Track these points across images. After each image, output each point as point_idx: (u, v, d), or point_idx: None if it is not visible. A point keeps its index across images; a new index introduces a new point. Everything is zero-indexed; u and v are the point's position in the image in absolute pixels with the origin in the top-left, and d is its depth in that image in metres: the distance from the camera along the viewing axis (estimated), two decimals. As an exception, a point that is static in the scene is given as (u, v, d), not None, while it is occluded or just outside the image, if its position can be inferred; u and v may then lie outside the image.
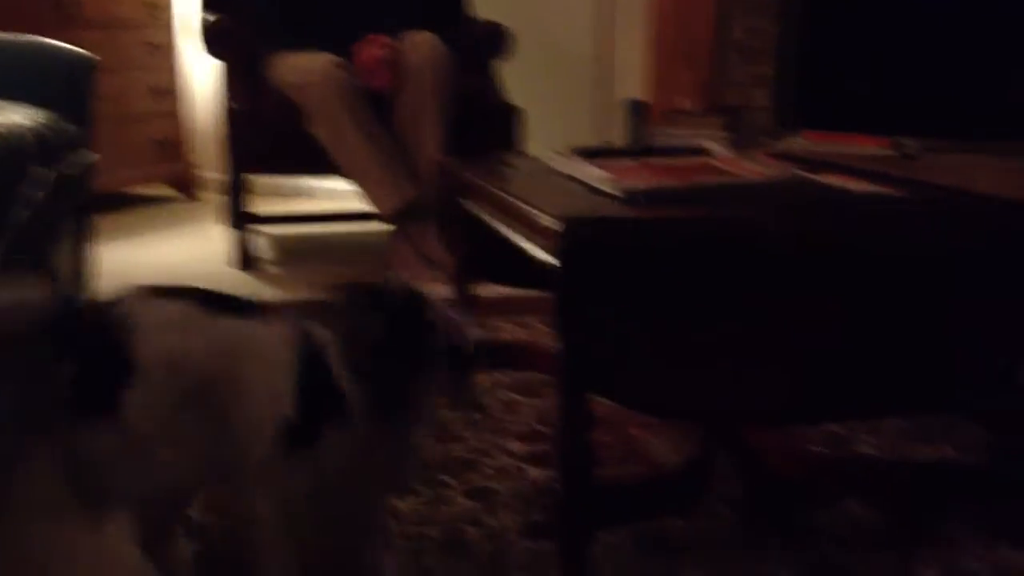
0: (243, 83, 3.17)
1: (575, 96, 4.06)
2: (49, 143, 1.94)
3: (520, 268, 1.95)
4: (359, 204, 3.23)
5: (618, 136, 3.73)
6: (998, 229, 1.50)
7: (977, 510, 1.58)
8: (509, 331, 2.54)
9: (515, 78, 3.49)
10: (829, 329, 1.43)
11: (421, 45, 3.09)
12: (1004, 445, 1.55)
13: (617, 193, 1.53)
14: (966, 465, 1.70)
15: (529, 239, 1.52)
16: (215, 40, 3.24)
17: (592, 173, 1.66)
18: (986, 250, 1.47)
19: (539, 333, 2.52)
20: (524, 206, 1.53)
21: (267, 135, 3.13)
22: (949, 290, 1.46)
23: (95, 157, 2.26)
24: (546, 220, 1.41)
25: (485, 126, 3.26)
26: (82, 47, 2.32)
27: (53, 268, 1.96)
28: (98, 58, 2.33)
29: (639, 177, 1.62)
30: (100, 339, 1.25)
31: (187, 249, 3.39)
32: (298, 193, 4.23)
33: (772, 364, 1.44)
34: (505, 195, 1.64)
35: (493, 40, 3.42)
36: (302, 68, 3.04)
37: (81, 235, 2.29)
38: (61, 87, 2.21)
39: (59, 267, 2.01)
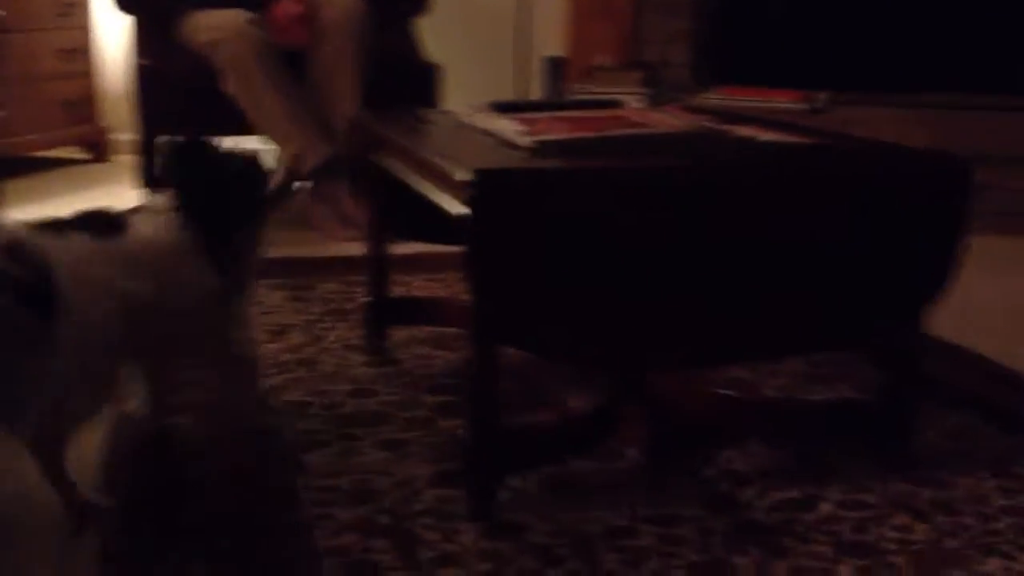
0: (154, 40, 3.11)
1: (495, 52, 4.05)
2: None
3: (433, 223, 1.97)
4: (274, 163, 3.20)
5: (537, 93, 3.75)
6: (894, 174, 1.55)
7: (872, 446, 1.64)
8: (424, 287, 2.55)
9: (434, 34, 3.48)
10: (734, 274, 1.46)
11: (337, 1, 3.05)
12: (896, 384, 1.60)
13: (528, 144, 1.55)
14: (862, 404, 1.76)
15: (441, 192, 1.53)
16: (125, -5, 3.18)
17: (504, 126, 1.67)
18: (883, 194, 1.52)
19: (453, 289, 2.53)
20: (436, 159, 1.54)
21: (179, 94, 3.09)
22: (848, 233, 1.51)
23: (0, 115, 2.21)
24: (457, 172, 1.42)
25: (404, 83, 3.24)
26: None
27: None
28: (3, 12, 2.27)
29: (551, 129, 1.63)
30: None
31: (100, 211, 3.33)
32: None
33: (677, 310, 1.47)
34: (417, 149, 1.65)
35: (411, -4, 3.39)
36: (214, 25, 2.99)
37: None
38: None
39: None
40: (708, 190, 1.45)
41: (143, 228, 1.45)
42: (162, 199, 1.56)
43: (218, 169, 1.54)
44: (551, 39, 3.89)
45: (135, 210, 1.52)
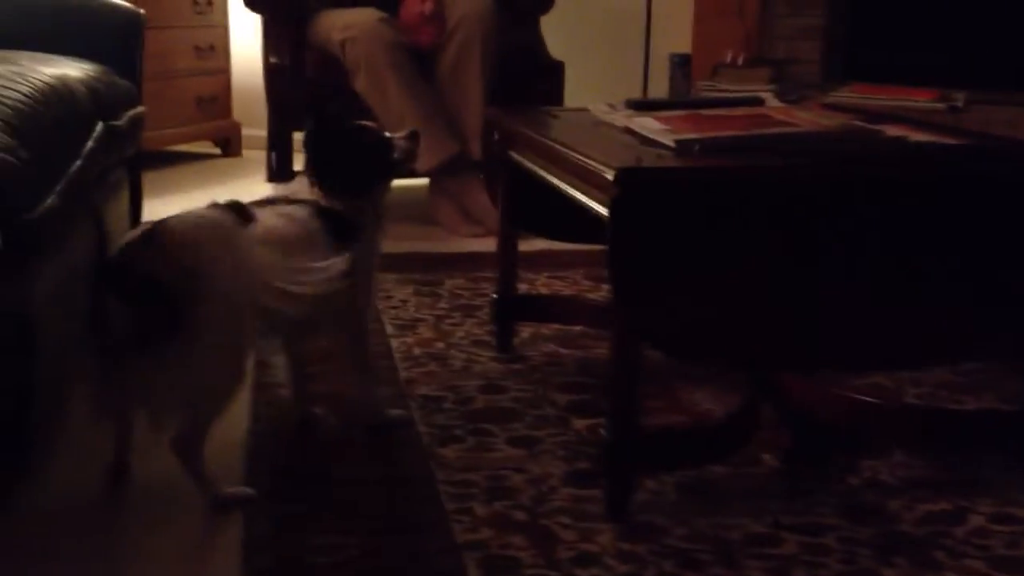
0: (284, 38, 3.18)
1: (616, 50, 4.02)
2: (101, 97, 1.97)
3: (564, 221, 1.96)
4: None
5: (661, 90, 3.70)
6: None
7: (1022, 459, 1.58)
8: (548, 284, 2.55)
9: (556, 31, 3.47)
10: (883, 277, 1.43)
11: (466, 0, 3.08)
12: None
13: (670, 143, 1.53)
14: (1012, 415, 1.69)
15: (582, 190, 1.53)
16: (253, -7, 3.26)
17: (644, 124, 1.65)
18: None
19: (578, 287, 2.52)
20: (577, 156, 1.53)
21: (309, 91, 3.14)
22: (1002, 237, 1.46)
23: (144, 111, 2.29)
24: (600, 170, 1.41)
25: (530, 81, 3.25)
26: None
27: (104, 218, 1.99)
28: (143, 12, 2.35)
29: (693, 128, 1.60)
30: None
31: (232, 205, 3.42)
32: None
33: (823, 312, 1.44)
34: (558, 146, 1.64)
35: (539, -6, 3.39)
36: (346, 24, 3.05)
37: (131, 187, 2.32)
38: (111, 42, 2.24)
39: (110, 218, 2.04)
40: (864, 190, 1.41)
41: (271, 219, 1.51)
42: (290, 188, 1.66)
43: (349, 136, 1.67)
44: (674, 35, 3.84)
45: (265, 200, 1.59)
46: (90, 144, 1.81)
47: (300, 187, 1.64)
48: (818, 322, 1.44)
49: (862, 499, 1.50)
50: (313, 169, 1.63)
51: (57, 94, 1.72)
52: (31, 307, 1.43)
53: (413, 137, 1.72)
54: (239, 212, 1.48)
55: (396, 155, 1.69)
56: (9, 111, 1.50)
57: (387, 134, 1.71)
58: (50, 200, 1.49)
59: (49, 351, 1.47)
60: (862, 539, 1.39)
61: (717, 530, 1.41)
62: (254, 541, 1.38)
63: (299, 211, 1.57)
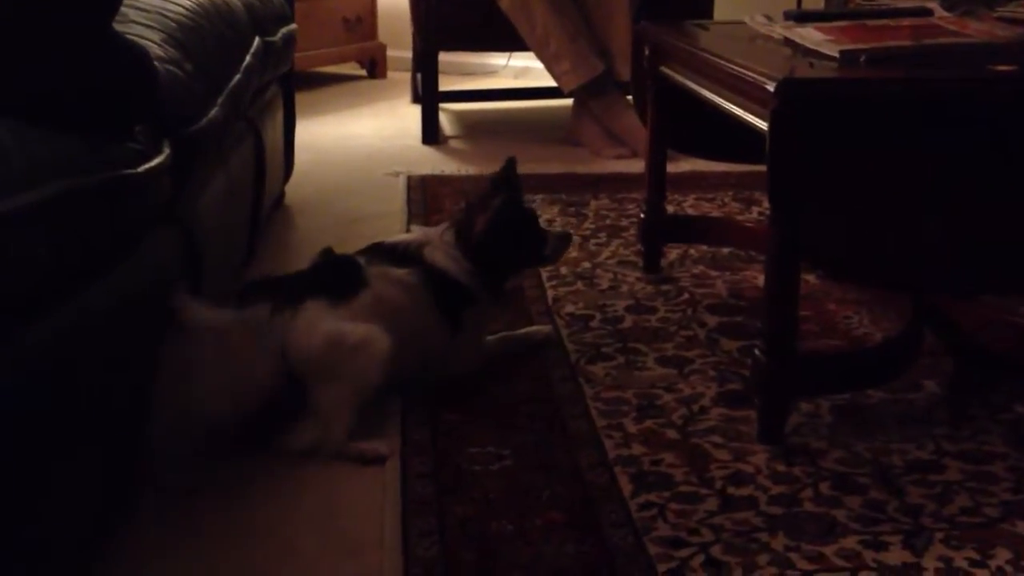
0: (430, -43, 3.16)
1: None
2: (257, 13, 2.00)
3: (717, 138, 1.91)
4: (544, 80, 3.21)
5: (815, 6, 3.55)
6: None
7: None
8: (695, 206, 2.50)
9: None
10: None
11: (613, -86, 3.00)
12: None
13: (834, 54, 1.46)
14: None
15: (739, 104, 1.48)
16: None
17: (806, 35, 1.58)
18: None
19: (727, 208, 2.47)
20: (735, 68, 1.48)
21: (454, 10, 3.13)
22: None
23: (295, 28, 2.32)
24: (760, 81, 1.36)
25: (677, -1, 3.16)
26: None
27: (261, 133, 2.03)
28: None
29: (857, 38, 1.53)
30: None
31: (377, 126, 3.46)
32: (485, 71, 4.24)
33: (991, 233, 1.37)
34: (714, 58, 1.59)
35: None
36: (492, -59, 3.01)
37: (285, 105, 2.36)
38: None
39: (266, 134, 2.08)
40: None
41: (379, 285, 1.51)
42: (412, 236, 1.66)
43: (523, 217, 1.65)
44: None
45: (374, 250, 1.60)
46: (248, 59, 1.84)
47: (422, 237, 1.64)
48: (985, 244, 1.37)
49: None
50: (478, 232, 1.59)
51: (217, 9, 1.75)
52: (196, 220, 1.46)
53: (566, 238, 1.71)
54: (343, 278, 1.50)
55: (546, 251, 1.67)
56: (173, 24, 1.53)
57: (545, 228, 1.70)
58: (213, 112, 1.52)
59: (211, 265, 1.51)
60: (1032, 469, 1.34)
61: (876, 455, 1.37)
62: (412, 446, 1.41)
63: (410, 277, 1.55)
